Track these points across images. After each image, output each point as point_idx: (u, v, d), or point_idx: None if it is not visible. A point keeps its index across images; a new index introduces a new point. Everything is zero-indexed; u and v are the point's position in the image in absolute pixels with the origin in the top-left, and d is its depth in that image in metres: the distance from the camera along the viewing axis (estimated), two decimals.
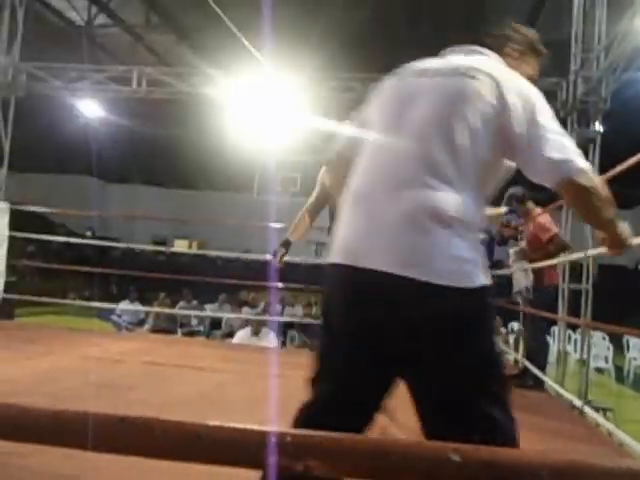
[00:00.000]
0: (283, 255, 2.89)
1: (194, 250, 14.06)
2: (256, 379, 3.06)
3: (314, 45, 8.79)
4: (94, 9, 11.11)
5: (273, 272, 5.07)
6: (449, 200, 1.01)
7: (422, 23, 9.45)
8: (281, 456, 0.43)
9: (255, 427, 0.47)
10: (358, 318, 1.06)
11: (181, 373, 3.30)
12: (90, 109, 9.70)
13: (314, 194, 2.86)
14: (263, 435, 0.45)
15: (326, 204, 2.84)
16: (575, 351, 6.75)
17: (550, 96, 5.54)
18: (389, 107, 1.18)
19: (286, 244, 2.90)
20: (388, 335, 1.03)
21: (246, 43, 5.89)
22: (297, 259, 5.19)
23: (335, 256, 1.13)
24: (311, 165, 10.69)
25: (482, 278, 1.02)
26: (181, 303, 7.67)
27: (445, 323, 0.99)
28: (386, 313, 1.02)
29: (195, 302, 7.74)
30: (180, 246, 13.72)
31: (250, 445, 0.45)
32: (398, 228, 1.02)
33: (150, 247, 13.47)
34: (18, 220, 4.68)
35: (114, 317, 7.29)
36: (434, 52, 1.33)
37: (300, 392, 1.16)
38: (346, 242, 1.11)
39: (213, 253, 10.90)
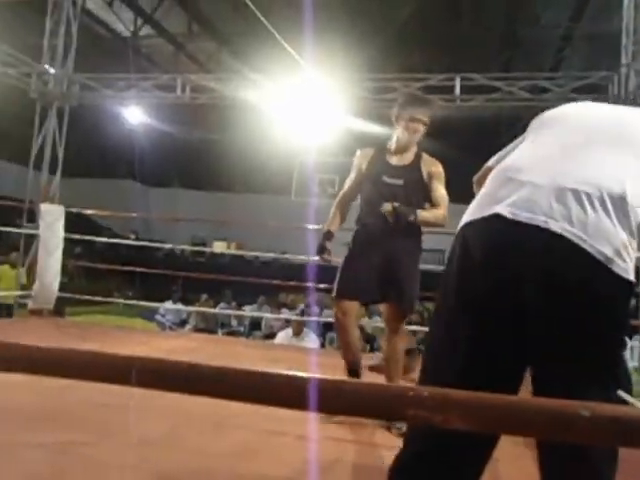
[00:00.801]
0: (329, 251, 2.61)
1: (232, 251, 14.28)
2: None
3: (353, 46, 8.84)
4: (139, 21, 11.49)
5: (311, 274, 5.11)
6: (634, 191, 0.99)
7: (462, 21, 9.36)
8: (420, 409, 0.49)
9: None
10: (507, 288, 0.95)
11: None
12: (133, 116, 10.03)
13: (347, 183, 2.69)
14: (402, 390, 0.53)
15: (357, 195, 2.66)
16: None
17: (601, 90, 5.39)
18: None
19: (328, 236, 2.61)
20: (539, 314, 0.95)
21: (286, 46, 5.97)
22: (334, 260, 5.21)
23: (490, 208, 1.02)
24: (349, 166, 10.71)
25: (632, 275, 0.98)
26: (221, 304, 7.83)
27: (601, 310, 0.94)
28: (547, 284, 0.94)
29: (235, 303, 7.88)
30: (218, 248, 13.96)
31: (392, 399, 0.52)
32: (580, 199, 0.97)
33: (193, 248, 13.75)
34: (67, 223, 4.88)
35: (158, 317, 7.50)
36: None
37: None
38: (521, 194, 1.00)
39: (252, 254, 11.03)
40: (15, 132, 12.60)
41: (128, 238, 14.11)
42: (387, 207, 2.36)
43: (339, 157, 10.17)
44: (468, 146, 15.84)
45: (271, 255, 10.64)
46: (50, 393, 2.50)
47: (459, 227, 1.08)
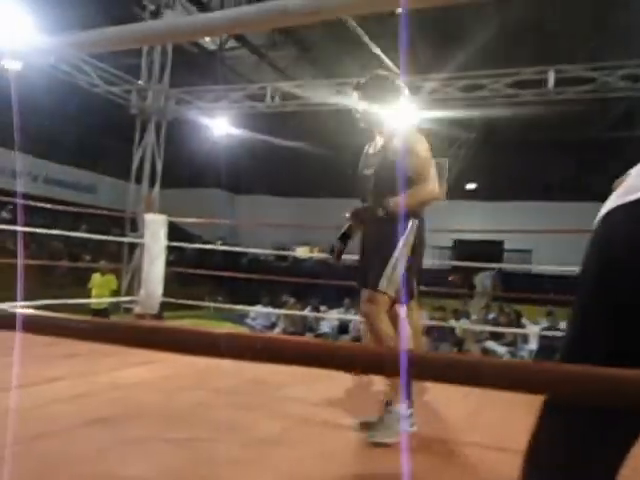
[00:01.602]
0: (341, 251, 2.53)
1: (315, 255, 14.50)
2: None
3: (440, 46, 8.72)
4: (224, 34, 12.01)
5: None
6: None
7: (549, 9, 8.94)
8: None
9: None
10: None
11: (328, 374, 3.45)
12: (220, 126, 10.49)
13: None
14: None
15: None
16: None
17: None
18: None
19: (345, 238, 2.52)
20: None
21: (375, 50, 6.02)
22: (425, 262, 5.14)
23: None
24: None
25: None
26: (309, 308, 7.99)
27: None
28: None
29: (322, 307, 8.01)
30: (301, 253, 14.24)
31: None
32: None
33: (279, 253, 14.11)
34: None
35: (249, 320, 7.79)
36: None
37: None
38: None
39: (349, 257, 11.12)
40: (112, 147, 13.64)
41: (216, 245, 14.74)
42: (346, 216, 2.46)
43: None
44: (557, 140, 15.01)
45: (354, 258, 10.68)
46: (172, 393, 2.69)
47: (598, 219, 0.92)
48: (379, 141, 2.48)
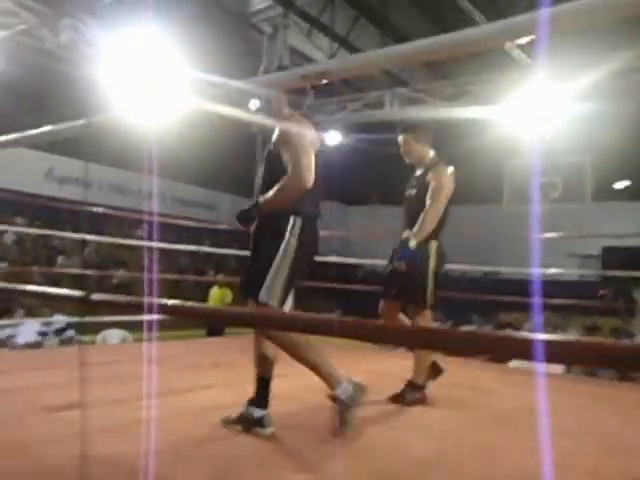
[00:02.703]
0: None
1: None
2: (563, 410, 2.94)
3: (576, 41, 8.26)
4: (334, 45, 12.38)
5: (537, 289, 4.83)
6: None
7: None
8: None
9: None
10: None
11: (473, 396, 3.41)
12: (333, 137, 10.76)
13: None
14: None
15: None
16: None
17: None
18: None
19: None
20: None
21: (511, 50, 5.88)
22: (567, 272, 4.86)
23: None
24: (573, 168, 9.93)
25: None
26: (437, 323, 7.87)
27: None
28: None
29: (450, 322, 7.87)
30: None
31: None
32: None
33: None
34: None
35: None
36: None
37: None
38: None
39: (459, 269, 10.87)
40: (231, 165, 14.58)
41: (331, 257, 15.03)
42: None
43: (563, 157, 9.49)
44: None
45: (481, 269, 10.36)
46: (315, 406, 2.84)
47: None
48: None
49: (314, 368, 2.35)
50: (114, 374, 3.27)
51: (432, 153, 3.23)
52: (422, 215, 3.00)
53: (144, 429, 2.20)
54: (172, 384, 3.14)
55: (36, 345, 5.93)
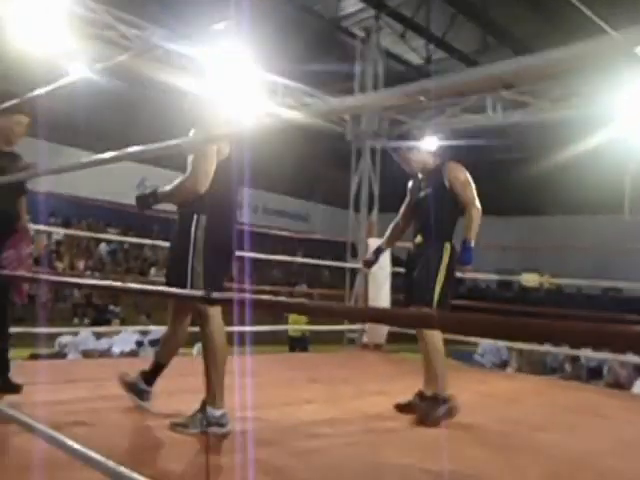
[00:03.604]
0: (371, 263, 3.51)
1: (546, 284, 13.58)
2: None
3: None
4: (430, 46, 12.30)
5: None
6: None
7: None
8: None
9: None
10: None
11: (587, 422, 3.21)
12: (429, 143, 10.60)
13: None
14: None
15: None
16: None
17: None
18: None
19: (377, 252, 3.48)
20: None
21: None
22: None
23: None
24: None
25: None
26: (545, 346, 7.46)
27: None
28: None
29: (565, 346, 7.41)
30: (529, 280, 13.45)
31: None
32: None
33: (503, 277, 13.62)
34: None
35: (477, 357, 7.60)
36: None
37: None
38: None
39: (574, 284, 10.28)
40: (324, 175, 14.83)
41: None
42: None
43: None
44: None
45: (601, 285, 9.72)
46: (411, 427, 2.79)
47: None
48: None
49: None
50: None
51: (431, 153, 3.31)
52: (469, 213, 3.13)
53: (250, 440, 2.28)
54: (280, 397, 3.23)
55: (132, 354, 6.36)
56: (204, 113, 2.58)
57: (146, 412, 2.68)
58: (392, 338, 5.99)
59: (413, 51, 12.60)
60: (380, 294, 5.30)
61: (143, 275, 12.25)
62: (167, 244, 3.15)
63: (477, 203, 3.16)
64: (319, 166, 14.68)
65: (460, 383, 3.74)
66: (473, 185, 3.20)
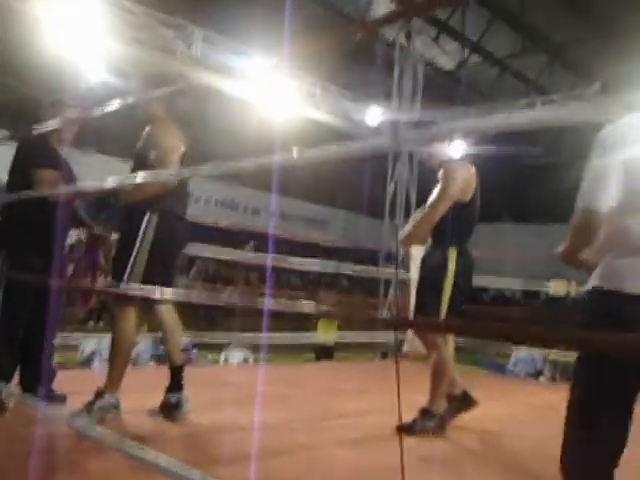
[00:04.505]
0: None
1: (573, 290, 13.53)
2: None
3: None
4: (465, 50, 12.26)
5: None
6: None
7: None
8: None
9: None
10: None
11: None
12: (457, 148, 10.63)
13: None
14: None
15: None
16: None
17: None
18: None
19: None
20: None
21: None
22: None
23: None
24: None
25: None
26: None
27: None
28: None
29: None
30: (557, 287, 13.41)
31: None
32: None
33: (530, 287, 13.59)
34: None
35: (509, 367, 7.63)
36: None
37: None
38: None
39: None
40: (346, 181, 14.90)
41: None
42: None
43: None
44: None
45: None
46: (486, 441, 2.88)
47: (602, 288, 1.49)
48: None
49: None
50: (257, 395, 3.45)
51: (447, 151, 3.32)
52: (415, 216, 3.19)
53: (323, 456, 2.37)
54: (334, 409, 3.30)
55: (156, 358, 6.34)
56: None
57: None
58: None
59: (446, 55, 12.54)
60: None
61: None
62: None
63: (436, 204, 3.06)
64: (342, 172, 14.73)
65: (514, 395, 3.82)
66: (457, 186, 3.11)
